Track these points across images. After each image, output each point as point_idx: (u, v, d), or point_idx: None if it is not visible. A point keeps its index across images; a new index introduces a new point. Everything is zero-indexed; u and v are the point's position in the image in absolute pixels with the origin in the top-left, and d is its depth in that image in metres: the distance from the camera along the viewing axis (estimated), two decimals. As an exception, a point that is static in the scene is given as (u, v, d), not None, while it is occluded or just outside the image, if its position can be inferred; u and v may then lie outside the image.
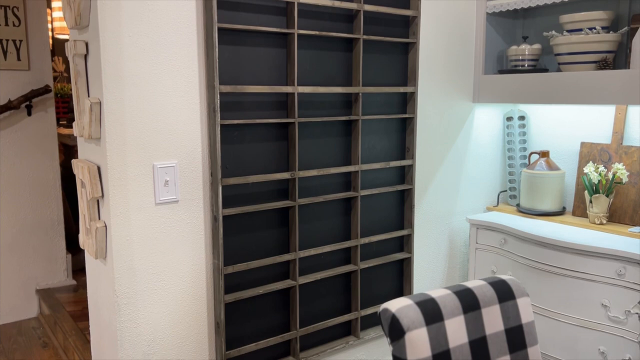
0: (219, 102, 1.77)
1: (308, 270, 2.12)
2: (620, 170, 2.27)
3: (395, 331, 1.06)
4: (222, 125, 1.81)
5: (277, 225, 2.02)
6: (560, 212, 2.54)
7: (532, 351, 1.20)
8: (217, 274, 1.87)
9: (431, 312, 1.09)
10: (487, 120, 2.71)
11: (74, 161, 1.83)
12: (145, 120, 1.70)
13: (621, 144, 2.38)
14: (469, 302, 1.15)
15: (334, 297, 2.22)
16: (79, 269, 3.30)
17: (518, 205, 2.68)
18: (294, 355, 2.10)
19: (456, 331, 1.11)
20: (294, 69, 1.93)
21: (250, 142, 1.91)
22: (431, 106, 2.44)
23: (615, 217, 2.37)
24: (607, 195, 2.32)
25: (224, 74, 1.81)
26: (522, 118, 2.73)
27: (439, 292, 1.14)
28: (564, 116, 2.61)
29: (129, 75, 1.65)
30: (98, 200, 1.75)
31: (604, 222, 2.34)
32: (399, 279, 2.43)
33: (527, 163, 2.70)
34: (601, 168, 2.34)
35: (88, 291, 2.00)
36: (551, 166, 2.55)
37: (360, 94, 2.13)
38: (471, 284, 1.21)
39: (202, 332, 1.89)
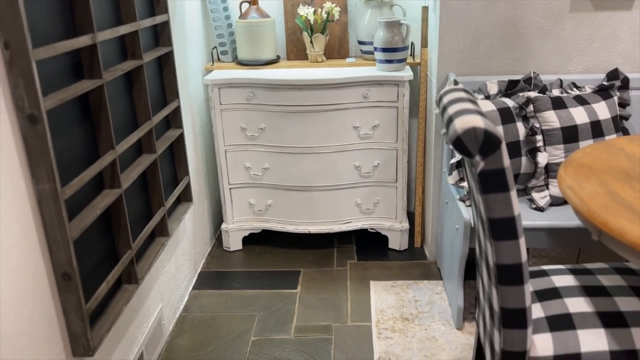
0: None
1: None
2: (334, 8, 2.51)
3: (491, 144, 1.02)
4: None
5: (83, 116, 1.40)
6: (277, 60, 2.64)
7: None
8: (50, 203, 1.20)
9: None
10: (191, -31, 2.43)
11: None
12: None
13: (320, -15, 2.60)
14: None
15: (140, 196, 1.77)
16: None
17: (236, 58, 2.63)
18: (132, 281, 1.63)
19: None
20: None
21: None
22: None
23: (326, 53, 2.65)
24: (323, 34, 2.55)
25: None
26: (217, -34, 2.57)
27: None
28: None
29: None
30: None
31: (324, 59, 2.60)
32: (172, 161, 2.10)
33: (236, 14, 2.62)
34: (313, 9, 2.52)
35: None
36: (262, 14, 2.56)
37: None
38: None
39: (44, 297, 1.23)
